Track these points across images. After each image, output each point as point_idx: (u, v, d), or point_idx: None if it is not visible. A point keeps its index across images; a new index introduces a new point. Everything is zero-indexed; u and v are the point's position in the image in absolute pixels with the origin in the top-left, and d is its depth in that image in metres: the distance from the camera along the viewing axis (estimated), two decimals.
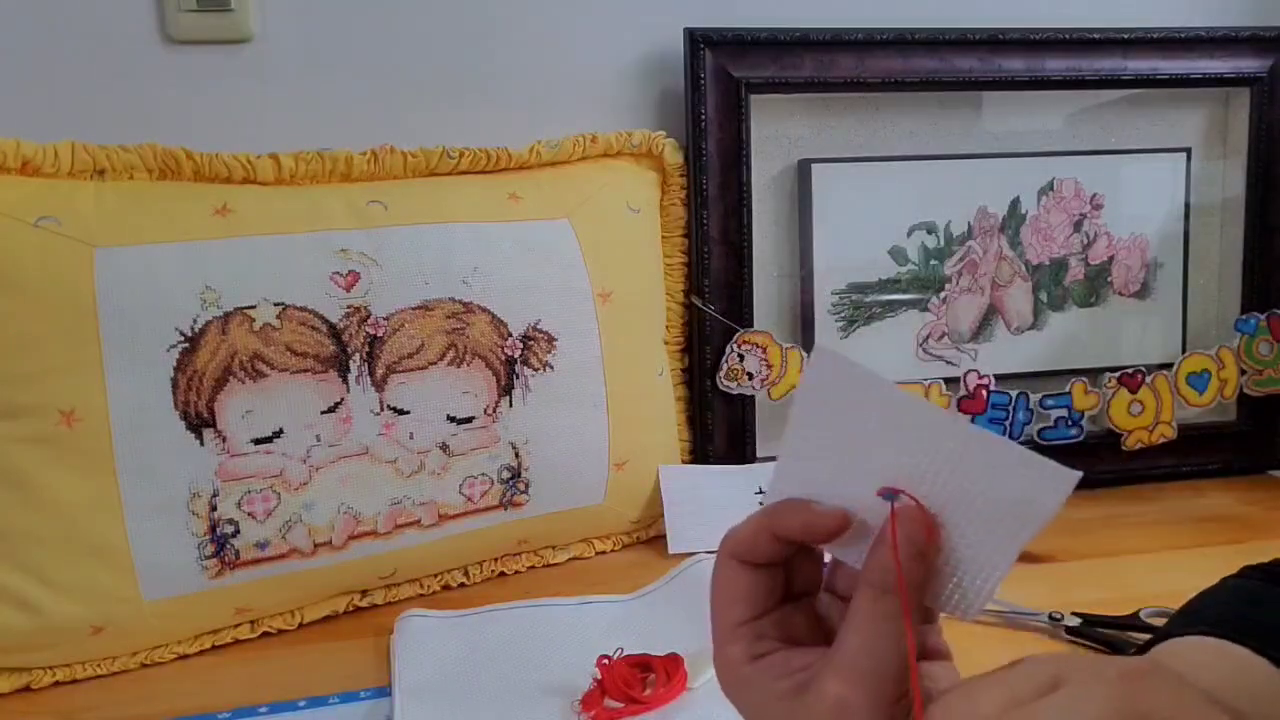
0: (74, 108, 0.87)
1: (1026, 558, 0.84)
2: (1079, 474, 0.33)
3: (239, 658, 0.73)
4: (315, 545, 0.74)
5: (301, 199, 0.78)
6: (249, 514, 0.71)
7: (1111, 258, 1.06)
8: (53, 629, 0.67)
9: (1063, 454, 1.01)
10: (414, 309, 0.77)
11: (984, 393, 1.01)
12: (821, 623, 0.40)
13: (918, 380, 0.99)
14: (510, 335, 0.81)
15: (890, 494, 0.35)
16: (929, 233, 1.02)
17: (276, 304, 0.73)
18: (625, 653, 0.63)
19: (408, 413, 0.77)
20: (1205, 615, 0.45)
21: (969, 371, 1.01)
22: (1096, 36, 1.01)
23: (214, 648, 0.73)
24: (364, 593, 0.80)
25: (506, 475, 0.81)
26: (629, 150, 0.94)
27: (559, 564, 0.88)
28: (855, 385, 0.36)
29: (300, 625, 0.76)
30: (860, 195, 1.00)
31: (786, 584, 0.39)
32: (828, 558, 0.40)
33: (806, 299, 1.01)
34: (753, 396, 0.98)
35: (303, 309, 0.74)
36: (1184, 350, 1.07)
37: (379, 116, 0.93)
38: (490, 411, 0.80)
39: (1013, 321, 1.05)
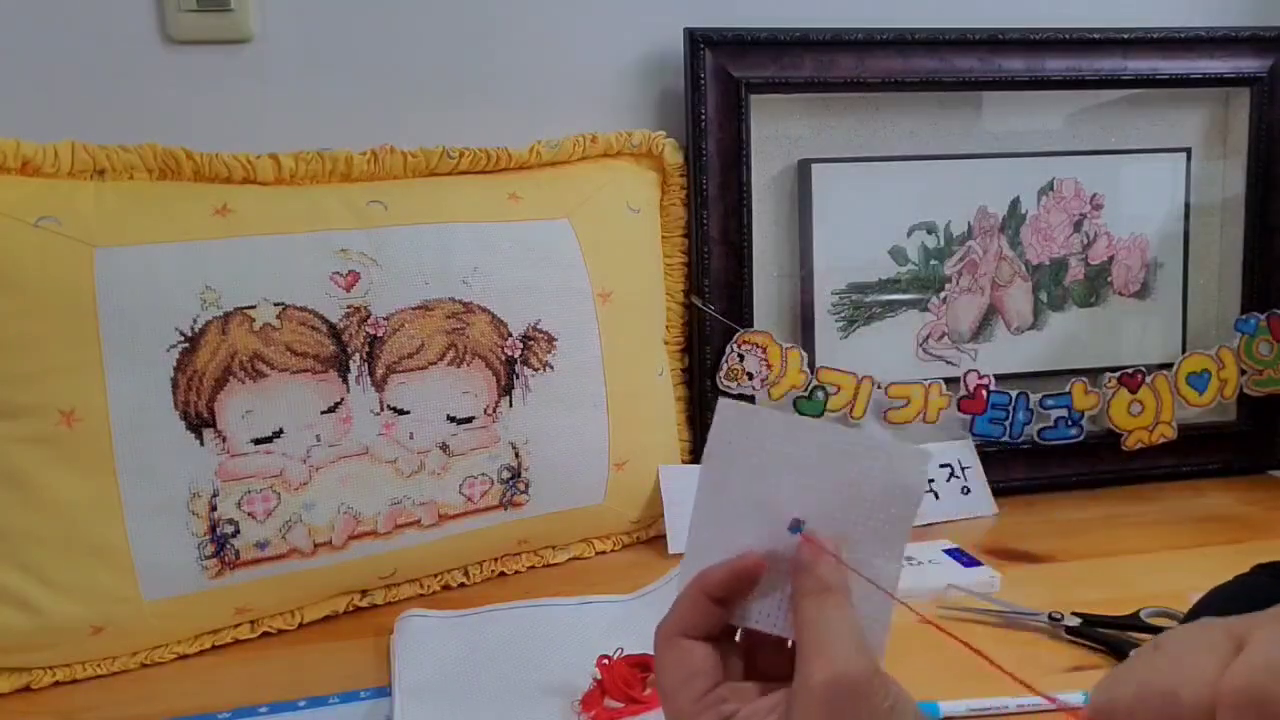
0: (74, 108, 0.87)
1: (1026, 558, 0.84)
2: (930, 453, 0.37)
3: (239, 658, 0.73)
4: (315, 545, 0.74)
5: (301, 199, 0.78)
6: (249, 514, 0.71)
7: (1111, 258, 1.06)
8: (53, 629, 0.67)
9: (1063, 454, 1.03)
10: (414, 309, 0.77)
11: (984, 393, 1.01)
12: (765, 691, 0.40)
13: (918, 380, 0.99)
14: (510, 335, 0.81)
15: (796, 525, 0.38)
16: (929, 233, 1.02)
17: (276, 304, 0.73)
18: (625, 653, 0.63)
19: (408, 413, 0.77)
20: (1221, 611, 0.45)
21: (969, 371, 1.01)
22: (1096, 36, 1.01)
23: (214, 648, 0.73)
24: (364, 593, 0.80)
25: (506, 475, 0.81)
26: (629, 150, 0.94)
27: (559, 564, 0.88)
28: (753, 427, 0.39)
29: (300, 625, 0.76)
30: (860, 195, 1.00)
31: (723, 667, 0.40)
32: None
33: (806, 299, 1.01)
34: (753, 396, 0.98)
35: (303, 309, 0.74)
36: (1184, 350, 1.07)
37: (379, 116, 0.93)
38: (490, 411, 0.80)
39: (1013, 321, 1.05)
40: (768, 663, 0.40)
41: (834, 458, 0.38)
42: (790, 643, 0.39)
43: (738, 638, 0.41)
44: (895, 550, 0.38)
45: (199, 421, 0.70)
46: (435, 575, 0.82)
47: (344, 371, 0.75)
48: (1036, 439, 1.02)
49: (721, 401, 0.40)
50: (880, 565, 0.38)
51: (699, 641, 0.39)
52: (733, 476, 0.39)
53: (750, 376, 0.97)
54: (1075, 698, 0.62)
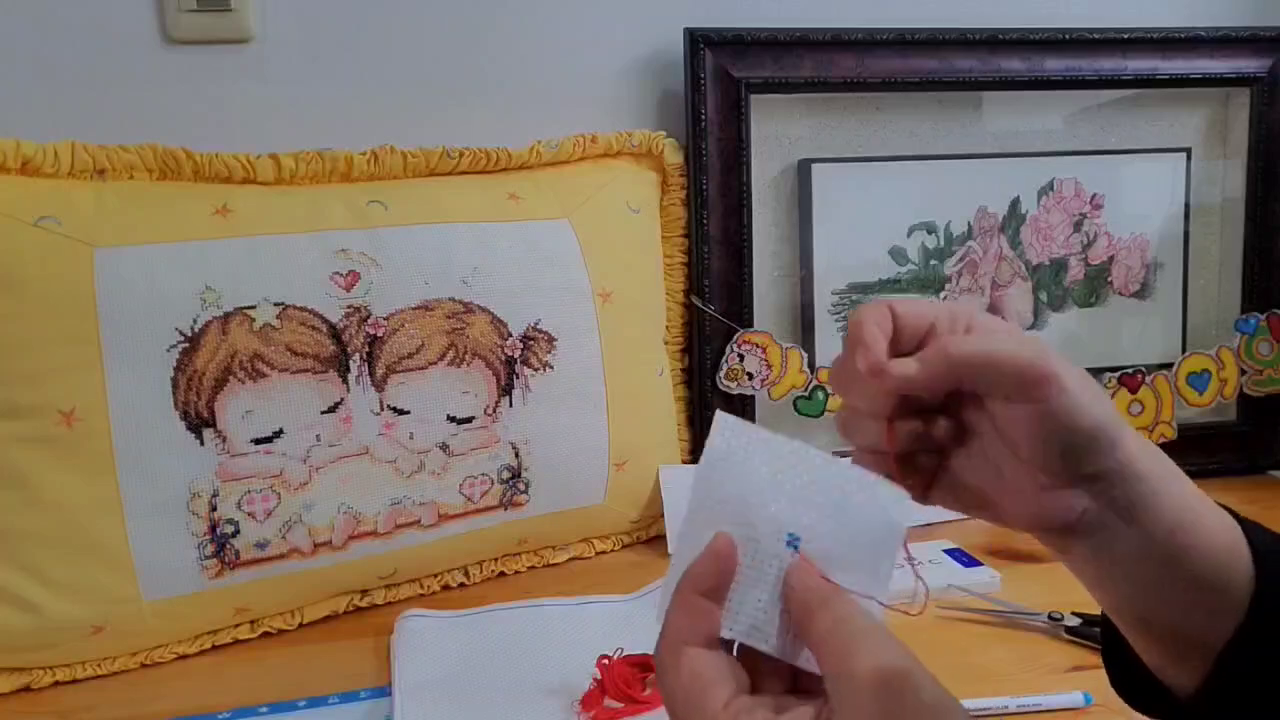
0: (74, 108, 0.87)
1: (1027, 558, 0.84)
2: (906, 493, 0.38)
3: (239, 658, 0.73)
4: (315, 545, 0.74)
5: (301, 199, 0.78)
6: (249, 514, 0.71)
7: (1111, 258, 1.06)
8: (53, 629, 0.67)
9: None
10: (414, 309, 0.77)
11: None
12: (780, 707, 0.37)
13: None
14: (510, 335, 0.81)
15: (793, 539, 0.38)
16: (929, 233, 1.02)
17: (276, 304, 0.73)
18: (625, 653, 0.63)
19: (408, 413, 0.77)
20: None
21: None
22: (1096, 36, 1.01)
23: (214, 648, 0.73)
24: (364, 593, 0.80)
25: (506, 475, 0.81)
26: (629, 150, 0.94)
27: (559, 564, 0.88)
28: (749, 443, 0.38)
29: (300, 625, 0.76)
30: (860, 195, 1.00)
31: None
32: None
33: (806, 299, 1.01)
34: (753, 396, 0.98)
35: (303, 309, 0.74)
36: (1184, 350, 1.07)
37: (379, 116, 0.93)
38: (490, 411, 0.80)
39: (1013, 321, 1.05)
40: (770, 675, 0.38)
41: (827, 483, 0.38)
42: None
43: (735, 650, 0.38)
44: (881, 584, 0.38)
45: (199, 421, 0.70)
46: (435, 575, 0.82)
47: (344, 371, 0.75)
48: None
49: (720, 415, 0.39)
50: (866, 598, 0.38)
51: (705, 649, 0.36)
52: (727, 489, 0.38)
53: (750, 376, 0.97)
54: (1075, 698, 0.62)
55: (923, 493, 0.42)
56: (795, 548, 0.37)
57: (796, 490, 0.38)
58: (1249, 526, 0.40)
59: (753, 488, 0.38)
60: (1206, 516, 0.39)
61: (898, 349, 0.39)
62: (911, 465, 0.42)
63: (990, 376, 0.37)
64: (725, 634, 0.37)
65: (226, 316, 0.71)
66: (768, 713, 0.34)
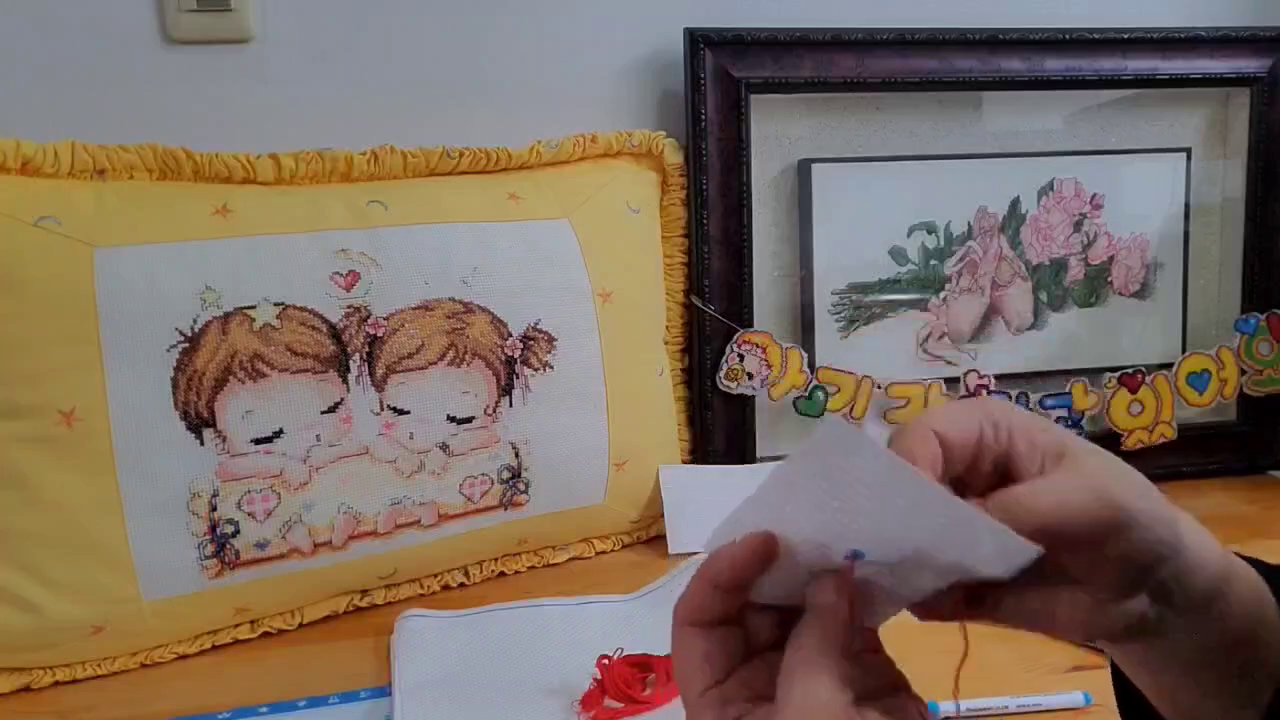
0: (74, 108, 0.87)
1: None
2: (1039, 549, 0.32)
3: (239, 658, 0.73)
4: (315, 545, 0.74)
5: (301, 199, 0.78)
6: (249, 514, 0.71)
7: (1111, 258, 1.06)
8: (53, 629, 0.67)
9: None
10: (414, 309, 0.77)
11: (984, 393, 1.01)
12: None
13: (918, 380, 0.99)
14: (510, 335, 0.81)
15: (854, 554, 0.35)
16: (929, 233, 1.02)
17: (276, 304, 0.73)
18: (625, 653, 0.63)
19: (408, 413, 0.77)
20: None
21: (969, 371, 1.01)
22: (1096, 36, 1.01)
23: (214, 648, 0.73)
24: (364, 593, 0.80)
25: (506, 475, 0.81)
26: (629, 150, 0.94)
27: (559, 564, 0.88)
28: (856, 453, 0.34)
29: (300, 625, 0.76)
30: (860, 195, 1.00)
31: (747, 642, 0.37)
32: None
33: (806, 299, 1.01)
34: (753, 396, 0.98)
35: (303, 309, 0.74)
36: (1184, 350, 1.07)
37: (379, 116, 0.93)
38: (490, 411, 0.80)
39: (1013, 321, 1.05)
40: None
41: (928, 518, 0.33)
42: None
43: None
44: (914, 591, 0.36)
45: (199, 421, 0.70)
46: (435, 575, 0.82)
47: (344, 371, 0.75)
48: None
49: (831, 417, 0.37)
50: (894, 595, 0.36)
51: (709, 628, 0.36)
52: (812, 484, 0.35)
53: (750, 376, 0.97)
54: (1075, 698, 0.62)
55: (968, 616, 0.39)
56: (850, 559, 0.35)
57: (890, 515, 0.34)
58: (1258, 566, 0.39)
59: (838, 495, 0.34)
60: (1233, 565, 0.37)
61: (949, 471, 0.36)
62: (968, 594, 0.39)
63: (1063, 536, 0.33)
64: (756, 599, 0.37)
65: (226, 316, 0.71)
66: (744, 704, 0.35)
